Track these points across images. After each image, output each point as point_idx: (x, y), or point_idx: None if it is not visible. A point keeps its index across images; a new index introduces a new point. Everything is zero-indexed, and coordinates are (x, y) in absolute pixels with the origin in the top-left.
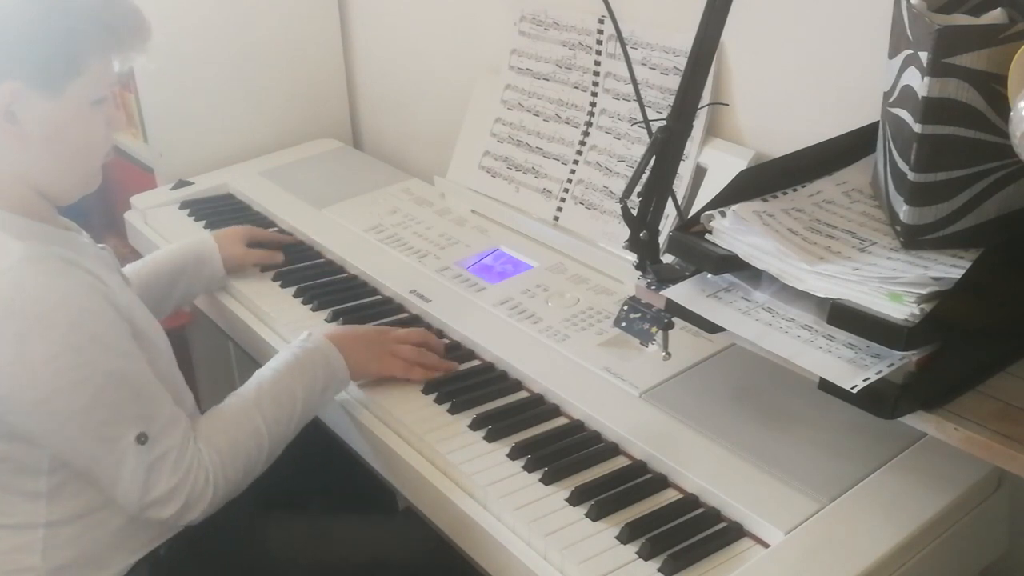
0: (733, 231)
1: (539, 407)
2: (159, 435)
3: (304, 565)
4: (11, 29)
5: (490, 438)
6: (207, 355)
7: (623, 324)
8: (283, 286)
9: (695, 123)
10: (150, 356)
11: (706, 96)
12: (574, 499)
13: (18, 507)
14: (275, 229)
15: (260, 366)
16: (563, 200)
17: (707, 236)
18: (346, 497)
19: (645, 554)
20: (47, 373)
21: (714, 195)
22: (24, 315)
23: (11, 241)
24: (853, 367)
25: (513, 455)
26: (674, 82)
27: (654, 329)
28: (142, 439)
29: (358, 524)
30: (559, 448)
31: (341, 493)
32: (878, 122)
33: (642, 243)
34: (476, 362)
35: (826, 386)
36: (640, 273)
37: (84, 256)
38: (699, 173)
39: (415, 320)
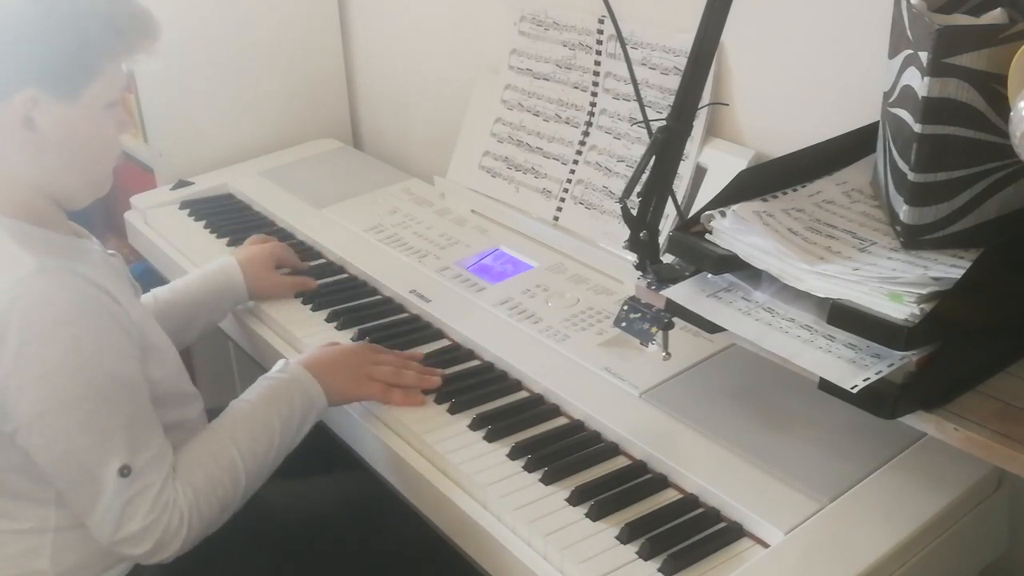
0: (733, 231)
1: (539, 407)
2: (143, 469)
3: (292, 531)
4: (27, 36)
5: (490, 438)
6: (207, 355)
7: (623, 324)
8: None
9: (695, 123)
10: (160, 369)
11: (706, 96)
12: (574, 499)
13: (28, 512)
14: (274, 229)
15: (261, 366)
16: (563, 200)
17: (707, 236)
18: (317, 459)
19: (645, 554)
20: (39, 390)
21: (714, 195)
22: (24, 329)
23: (24, 253)
24: (853, 367)
25: (513, 455)
26: (674, 82)
27: (654, 329)
28: (125, 471)
29: (327, 484)
30: (559, 448)
31: (313, 456)
32: (878, 122)
33: (642, 243)
34: (476, 362)
35: (826, 386)
36: (640, 273)
37: (95, 266)
38: (699, 173)
39: (415, 320)
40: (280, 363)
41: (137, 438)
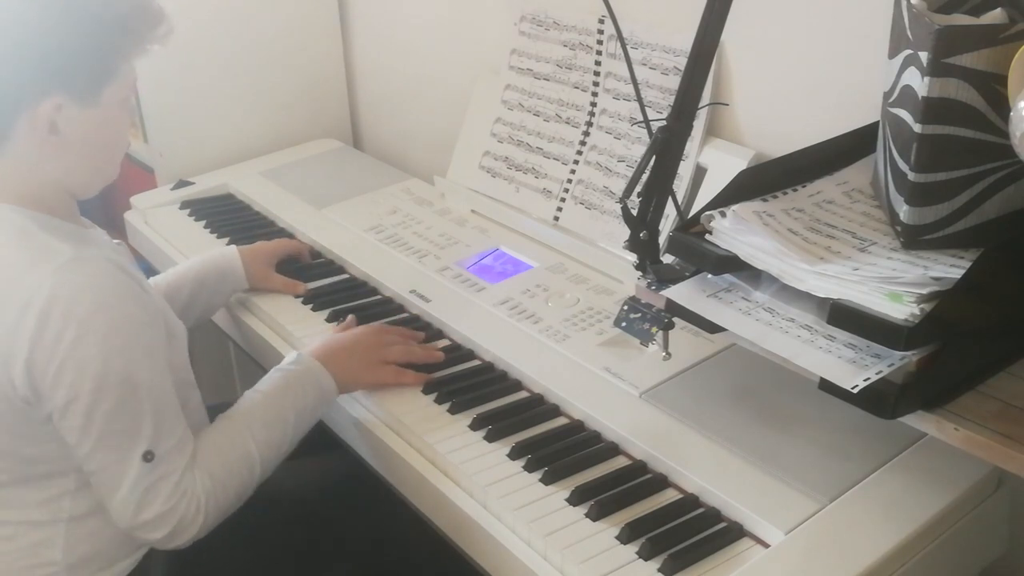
0: (733, 231)
1: (539, 407)
2: (165, 456)
3: (281, 513)
4: (48, 45)
5: (490, 438)
6: (207, 355)
7: (623, 324)
8: None
9: (695, 123)
10: (178, 356)
11: (706, 96)
12: (574, 499)
13: (43, 504)
14: (274, 229)
15: (261, 366)
16: (563, 200)
17: (707, 236)
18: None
19: (645, 554)
20: (79, 374)
21: (714, 195)
22: (67, 316)
23: (59, 243)
24: (853, 367)
25: (513, 455)
26: (674, 82)
27: (654, 329)
28: (148, 456)
29: (314, 465)
30: (559, 448)
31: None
32: (878, 122)
33: (642, 243)
34: (476, 362)
35: (826, 386)
36: (640, 273)
37: (112, 253)
38: (699, 173)
39: (415, 320)
40: (292, 355)
41: (162, 424)
